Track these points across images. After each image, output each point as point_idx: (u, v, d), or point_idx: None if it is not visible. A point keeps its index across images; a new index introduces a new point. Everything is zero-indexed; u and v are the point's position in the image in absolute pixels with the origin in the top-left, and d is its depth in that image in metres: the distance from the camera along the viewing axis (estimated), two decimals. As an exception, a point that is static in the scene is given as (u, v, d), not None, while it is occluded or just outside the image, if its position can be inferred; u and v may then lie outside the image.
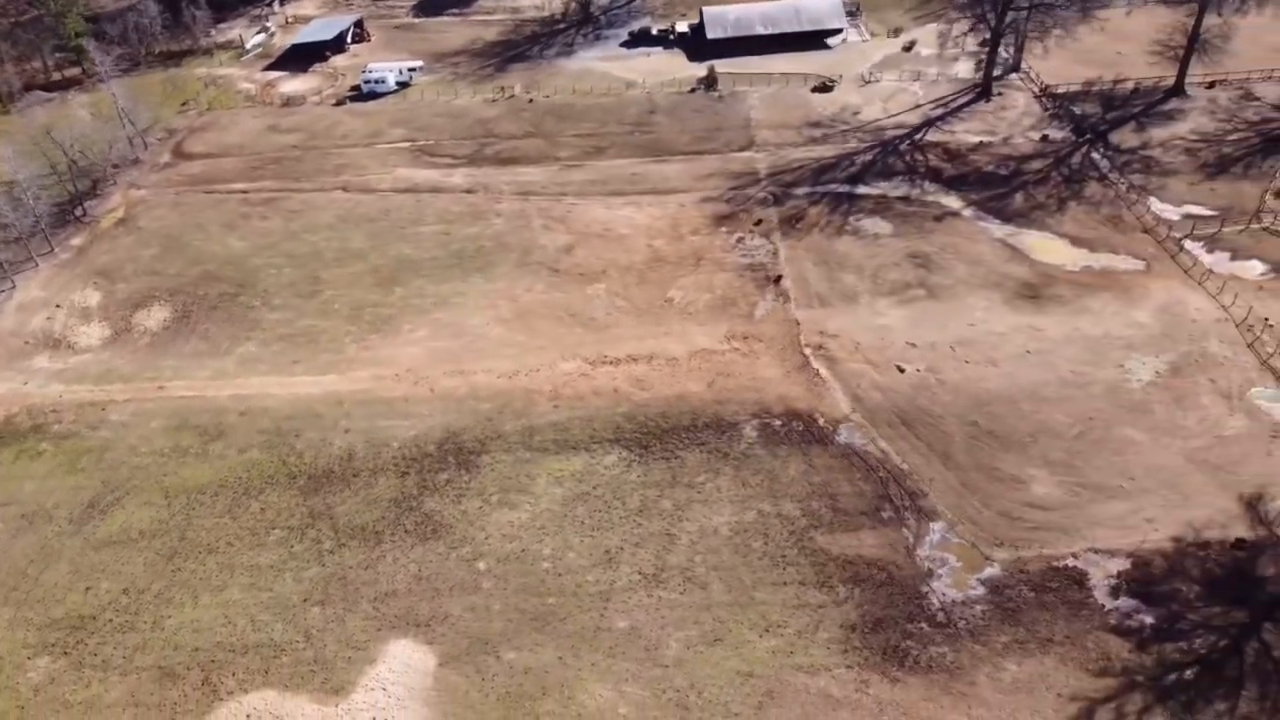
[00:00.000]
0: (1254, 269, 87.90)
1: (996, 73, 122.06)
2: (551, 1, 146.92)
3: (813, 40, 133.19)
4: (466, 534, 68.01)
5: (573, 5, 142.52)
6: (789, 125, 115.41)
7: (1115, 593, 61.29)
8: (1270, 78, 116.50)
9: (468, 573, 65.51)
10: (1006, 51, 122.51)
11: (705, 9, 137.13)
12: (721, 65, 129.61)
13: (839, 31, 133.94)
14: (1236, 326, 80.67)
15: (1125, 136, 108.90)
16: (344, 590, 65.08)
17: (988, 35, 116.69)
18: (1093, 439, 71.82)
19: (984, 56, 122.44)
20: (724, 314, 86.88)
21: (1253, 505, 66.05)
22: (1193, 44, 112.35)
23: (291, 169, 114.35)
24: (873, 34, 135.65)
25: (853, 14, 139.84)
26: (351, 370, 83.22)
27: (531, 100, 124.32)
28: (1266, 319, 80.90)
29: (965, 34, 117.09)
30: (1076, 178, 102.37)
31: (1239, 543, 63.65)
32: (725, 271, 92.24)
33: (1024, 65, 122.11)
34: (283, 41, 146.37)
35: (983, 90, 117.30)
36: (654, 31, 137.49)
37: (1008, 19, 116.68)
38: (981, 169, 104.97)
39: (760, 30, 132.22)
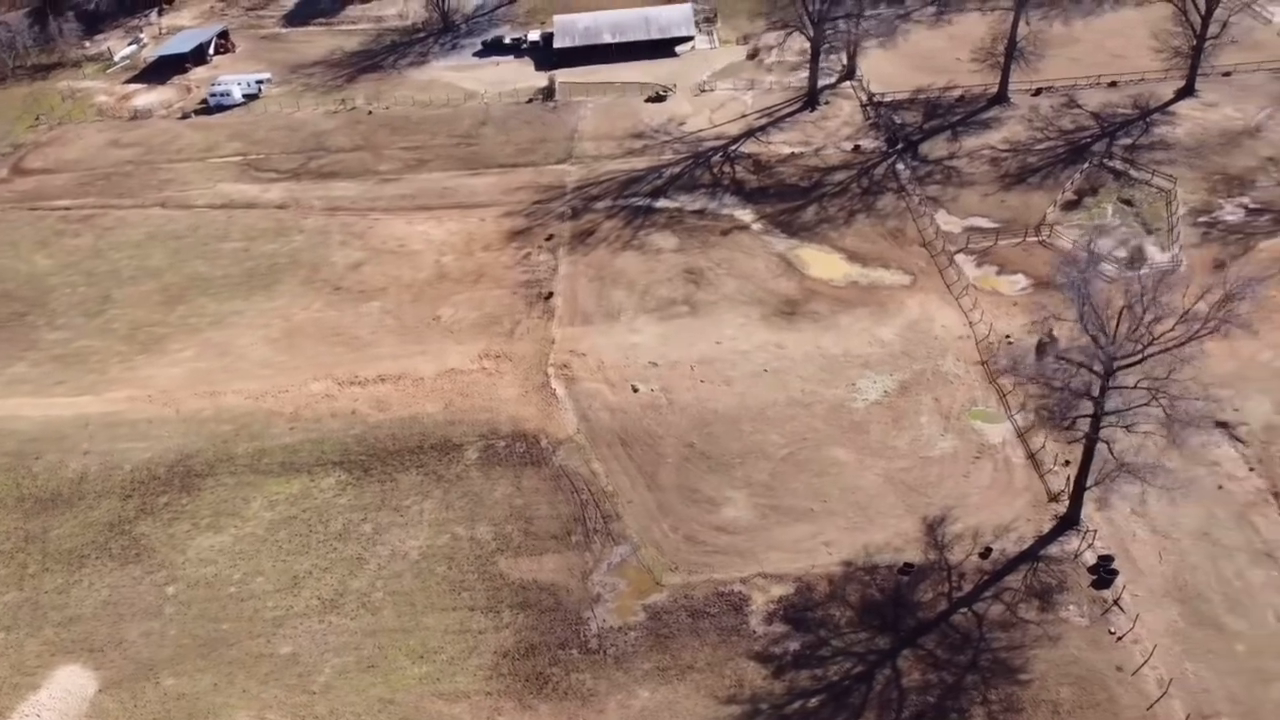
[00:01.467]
0: (1016, 284, 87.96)
1: (831, 80, 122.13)
2: (414, 11, 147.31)
3: (662, 48, 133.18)
4: (166, 558, 69.02)
5: (433, 15, 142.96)
6: (612, 137, 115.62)
7: (769, 619, 61.83)
8: (1098, 84, 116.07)
9: (155, 598, 66.46)
10: (843, 59, 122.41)
11: (557, 17, 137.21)
12: (567, 75, 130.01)
13: (689, 39, 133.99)
14: (977, 344, 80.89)
15: (936, 146, 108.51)
16: (33, 615, 66.13)
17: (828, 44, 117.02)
18: (799, 460, 72.17)
19: (822, 65, 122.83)
20: (486, 332, 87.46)
21: (933, 529, 66.42)
22: (1010, 51, 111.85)
23: (119, 185, 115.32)
24: (722, 41, 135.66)
25: (709, 20, 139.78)
26: (109, 391, 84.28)
27: (370, 112, 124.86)
28: (1007, 336, 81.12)
29: (781, 42, 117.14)
30: (874, 190, 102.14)
31: (906, 568, 63.93)
32: (501, 288, 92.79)
33: (858, 72, 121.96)
34: (151, 53, 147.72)
35: (809, 99, 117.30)
36: (507, 40, 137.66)
37: (838, 26, 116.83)
38: (785, 181, 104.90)
39: (608, 39, 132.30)
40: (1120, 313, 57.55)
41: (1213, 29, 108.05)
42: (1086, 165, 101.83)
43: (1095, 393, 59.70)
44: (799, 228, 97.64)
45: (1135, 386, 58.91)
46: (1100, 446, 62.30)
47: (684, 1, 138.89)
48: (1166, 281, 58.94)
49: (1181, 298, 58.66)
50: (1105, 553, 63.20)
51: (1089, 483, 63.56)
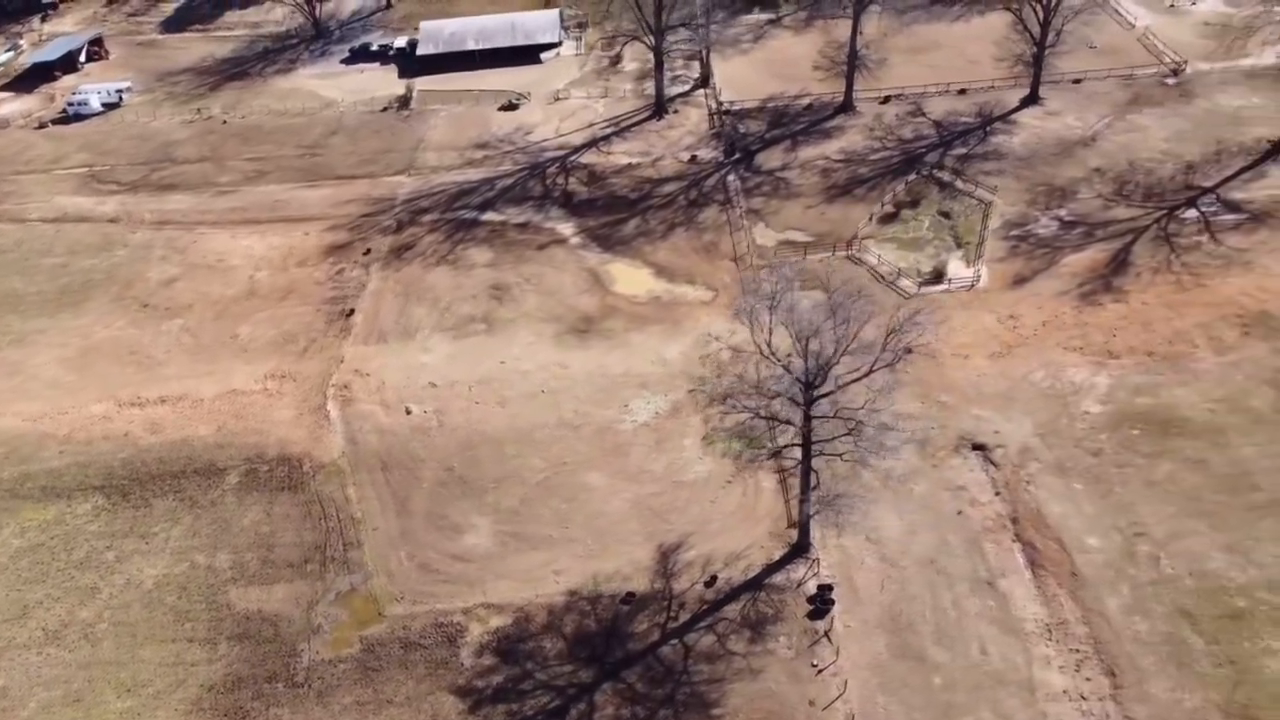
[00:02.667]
0: (813, 299, 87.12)
1: (685, 89, 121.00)
2: (291, 17, 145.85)
3: (528, 55, 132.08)
4: (-98, 588, 68.66)
5: (305, 21, 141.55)
6: (456, 147, 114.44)
7: (481, 651, 61.07)
8: (948, 91, 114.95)
9: (-118, 629, 66.20)
10: (702, 66, 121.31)
11: (423, 23, 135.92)
12: (428, 82, 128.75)
13: (554, 46, 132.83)
14: (755, 364, 79.94)
15: (772, 156, 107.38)
16: None
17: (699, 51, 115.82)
18: (552, 485, 71.33)
19: (681, 73, 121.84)
20: (279, 351, 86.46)
21: (666, 556, 65.65)
22: (852, 60, 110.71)
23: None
24: (589, 48, 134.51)
25: (580, 26, 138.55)
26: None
27: (225, 122, 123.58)
28: (788, 354, 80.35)
29: (619, 50, 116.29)
30: (701, 202, 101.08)
31: (628, 597, 63.21)
32: (306, 305, 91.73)
33: (713, 80, 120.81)
34: (26, 60, 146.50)
35: (656, 108, 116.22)
36: (374, 47, 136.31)
37: (685, 34, 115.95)
38: (616, 193, 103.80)
39: (472, 45, 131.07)
40: (805, 342, 56.64)
41: (1053, 36, 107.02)
42: (913, 176, 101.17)
43: (798, 421, 59.17)
44: (617, 241, 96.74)
45: (834, 415, 58.16)
46: (824, 473, 62.03)
47: (553, 7, 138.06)
48: (858, 310, 58.34)
49: (858, 329, 57.82)
50: (828, 581, 62.64)
51: (811, 511, 63.06)
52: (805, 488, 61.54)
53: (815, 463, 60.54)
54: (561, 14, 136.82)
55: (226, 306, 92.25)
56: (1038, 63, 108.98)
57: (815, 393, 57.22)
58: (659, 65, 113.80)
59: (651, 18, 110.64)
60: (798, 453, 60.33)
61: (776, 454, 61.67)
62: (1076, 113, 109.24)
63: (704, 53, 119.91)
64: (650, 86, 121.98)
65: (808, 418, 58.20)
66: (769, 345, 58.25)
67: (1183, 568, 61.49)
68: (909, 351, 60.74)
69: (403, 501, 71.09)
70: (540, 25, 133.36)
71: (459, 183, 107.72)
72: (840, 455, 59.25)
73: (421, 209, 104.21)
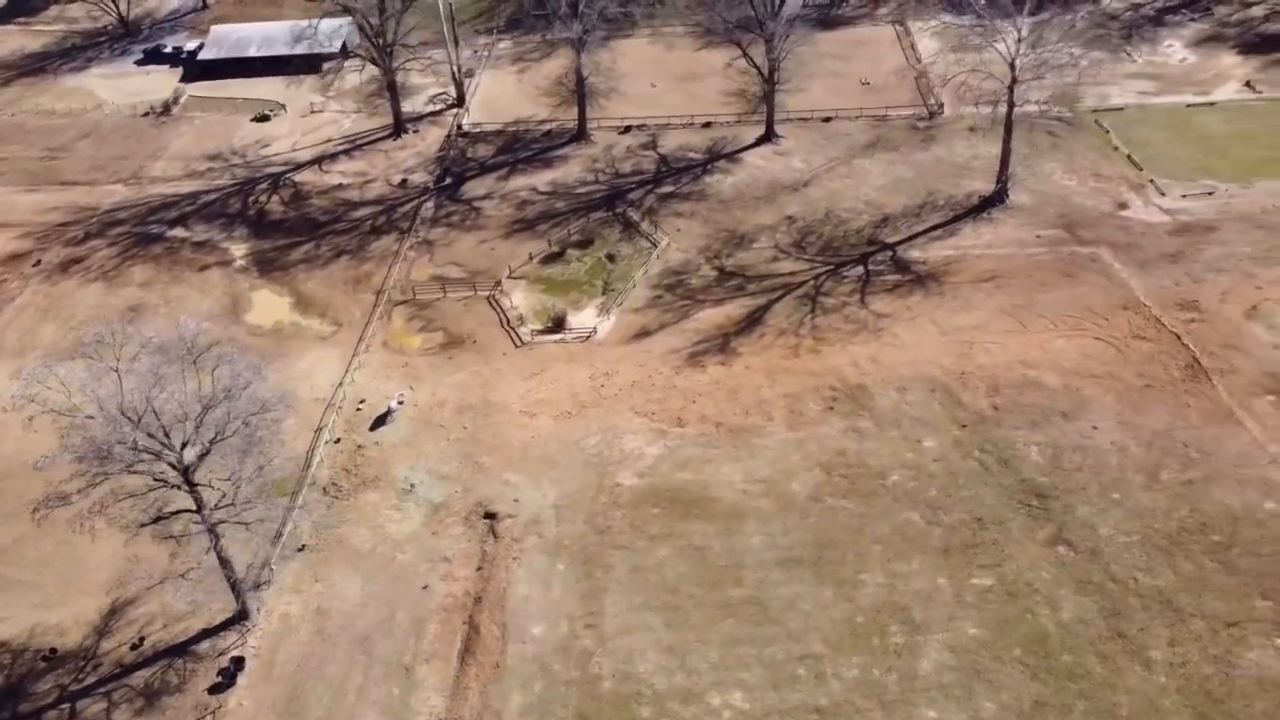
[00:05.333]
0: (430, 342, 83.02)
1: (438, 109, 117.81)
2: (109, 13, 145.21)
3: (311, 63, 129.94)
4: None
5: (111, 18, 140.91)
6: (189, 157, 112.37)
7: (-125, 700, 59.31)
8: (691, 123, 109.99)
9: None
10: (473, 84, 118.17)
11: (214, 27, 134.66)
12: (205, 87, 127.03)
13: (335, 56, 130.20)
14: (325, 410, 76.76)
15: (482, 184, 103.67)
16: None
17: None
18: (51, 524, 69.04)
19: (444, 91, 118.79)
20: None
21: (115, 611, 62.95)
22: (581, 88, 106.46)
23: None
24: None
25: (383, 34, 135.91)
26: None
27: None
28: (363, 400, 77.04)
29: (338, 74, 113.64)
30: (383, 229, 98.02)
31: (51, 653, 60.62)
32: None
33: (468, 100, 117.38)
34: None
35: (395, 127, 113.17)
36: (167, 49, 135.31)
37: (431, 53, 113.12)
38: (309, 214, 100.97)
39: (254, 52, 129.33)
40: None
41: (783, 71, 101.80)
42: (605, 214, 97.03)
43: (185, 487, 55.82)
44: (279, 267, 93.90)
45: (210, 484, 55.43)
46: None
47: (342, 16, 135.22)
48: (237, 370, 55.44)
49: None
50: (243, 654, 59.68)
51: (238, 574, 60.10)
52: (220, 556, 58.72)
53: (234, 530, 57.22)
54: (352, 23, 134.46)
55: None
56: (770, 101, 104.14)
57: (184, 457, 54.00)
58: (391, 87, 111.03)
59: (386, 35, 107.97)
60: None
61: (156, 520, 58.85)
62: (806, 154, 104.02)
63: (456, 71, 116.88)
64: (411, 102, 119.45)
65: (191, 485, 55.40)
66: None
67: (610, 667, 57.31)
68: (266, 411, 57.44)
69: (-95, 531, 69.84)
70: (323, 34, 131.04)
71: (168, 195, 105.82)
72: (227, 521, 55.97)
73: (118, 221, 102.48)
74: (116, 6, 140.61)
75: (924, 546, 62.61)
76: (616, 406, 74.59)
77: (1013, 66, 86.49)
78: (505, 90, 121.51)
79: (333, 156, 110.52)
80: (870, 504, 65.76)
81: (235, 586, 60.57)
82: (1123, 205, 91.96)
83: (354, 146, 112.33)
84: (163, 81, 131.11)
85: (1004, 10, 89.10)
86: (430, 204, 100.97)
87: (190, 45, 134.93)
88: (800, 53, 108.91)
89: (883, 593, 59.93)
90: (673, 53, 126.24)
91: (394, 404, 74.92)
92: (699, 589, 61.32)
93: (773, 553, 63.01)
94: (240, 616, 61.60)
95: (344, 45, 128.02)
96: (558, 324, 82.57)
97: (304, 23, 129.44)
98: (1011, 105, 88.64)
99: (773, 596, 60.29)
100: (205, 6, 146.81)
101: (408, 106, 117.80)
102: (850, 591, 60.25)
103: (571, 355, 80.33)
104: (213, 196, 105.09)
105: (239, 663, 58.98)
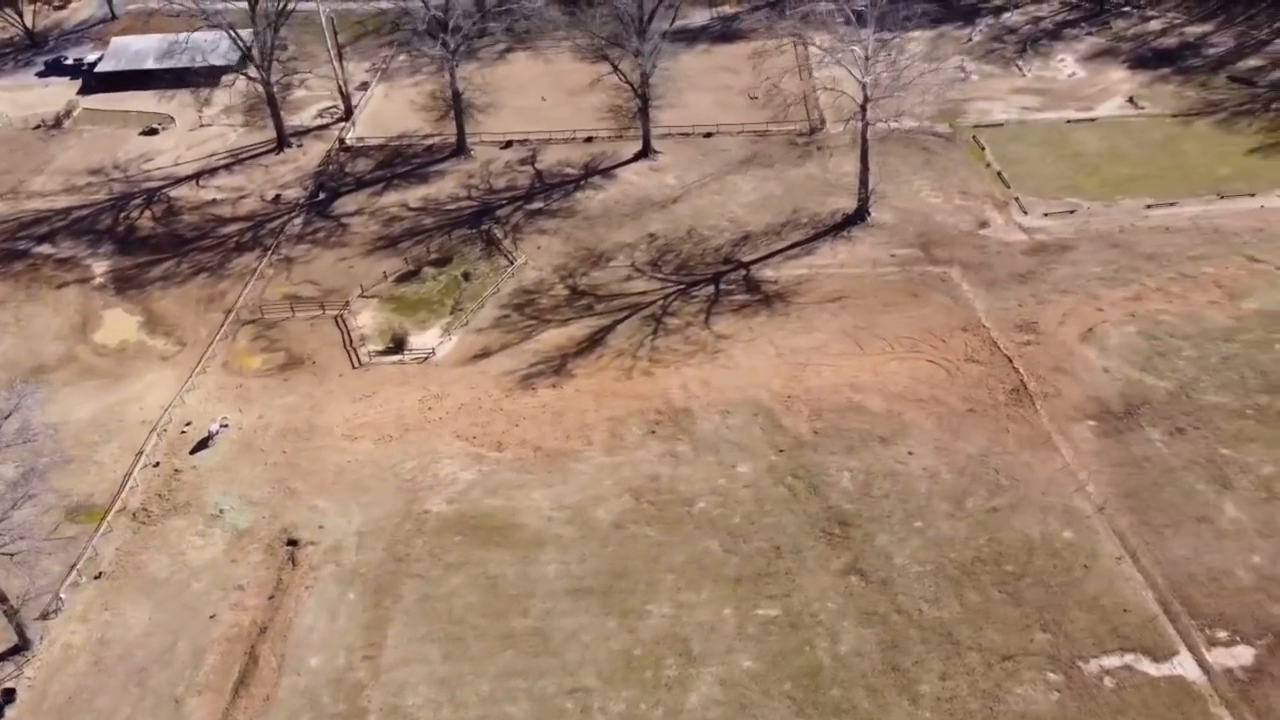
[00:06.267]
0: (270, 364, 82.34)
1: (326, 122, 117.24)
2: (13, 24, 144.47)
3: (211, 76, 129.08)
4: None
5: (15, 27, 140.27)
6: (72, 171, 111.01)
7: None
8: (573, 138, 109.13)
9: None
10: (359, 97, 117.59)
11: (114, 39, 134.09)
12: (103, 100, 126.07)
13: (234, 69, 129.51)
14: (150, 434, 75.91)
15: (355, 200, 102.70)
16: None
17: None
18: None
19: (333, 104, 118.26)
20: None
21: (-98, 641, 62.54)
22: (458, 103, 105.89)
23: None
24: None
25: (282, 48, 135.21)
26: None
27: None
28: (189, 422, 76.30)
29: (208, 95, 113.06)
30: (247, 246, 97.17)
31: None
32: None
33: (355, 113, 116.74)
34: None
35: (278, 141, 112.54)
36: (69, 61, 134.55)
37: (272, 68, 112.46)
38: (177, 231, 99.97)
39: (152, 64, 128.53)
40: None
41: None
42: (469, 231, 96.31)
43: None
44: (136, 285, 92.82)
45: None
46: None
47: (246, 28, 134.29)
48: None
49: None
50: (12, 686, 58.84)
51: (14, 604, 59.33)
52: (-3, 591, 58.16)
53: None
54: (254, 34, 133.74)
55: None
56: (644, 116, 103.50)
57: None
58: (271, 100, 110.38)
59: (263, 50, 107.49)
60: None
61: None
62: (682, 170, 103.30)
63: (343, 85, 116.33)
64: (300, 116, 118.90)
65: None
66: None
67: (380, 700, 56.48)
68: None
69: None
70: (225, 46, 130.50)
71: (43, 210, 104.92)
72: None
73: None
74: (21, 17, 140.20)
75: (717, 576, 62.13)
76: (439, 430, 73.93)
77: (864, 86, 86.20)
78: (395, 104, 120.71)
79: (213, 171, 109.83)
80: (673, 532, 65.23)
81: (10, 617, 60.00)
82: (983, 224, 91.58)
83: (236, 161, 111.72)
84: (61, 94, 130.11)
85: (863, 25, 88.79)
86: (299, 220, 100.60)
87: (91, 57, 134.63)
88: (690, 67, 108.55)
89: (666, 624, 59.40)
90: (560, 66, 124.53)
91: (214, 427, 74.20)
92: (484, 619, 60.67)
93: (565, 582, 62.43)
94: (20, 647, 61.12)
95: (243, 57, 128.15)
96: (398, 345, 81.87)
97: (204, 35, 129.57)
98: (865, 124, 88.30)
99: (556, 627, 59.80)
100: (114, 18, 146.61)
101: (297, 120, 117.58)
102: (634, 622, 59.68)
103: (407, 377, 79.65)
104: (85, 212, 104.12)
105: (9, 695, 58.15)
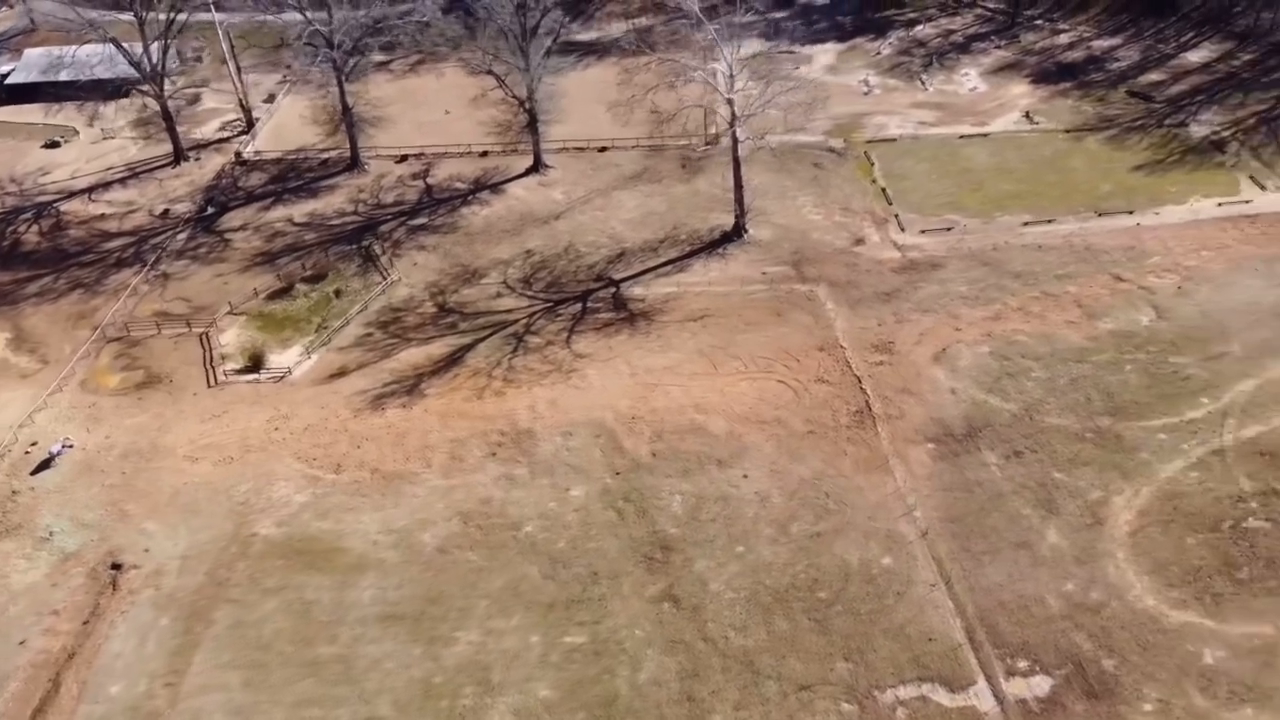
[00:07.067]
0: (129, 381, 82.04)
1: (227, 135, 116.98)
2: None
3: (123, 88, 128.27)
4: None
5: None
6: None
7: None
8: (469, 153, 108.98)
9: None
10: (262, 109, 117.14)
11: (27, 50, 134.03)
12: (13, 112, 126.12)
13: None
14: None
15: (243, 214, 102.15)
16: None
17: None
18: None
19: (236, 117, 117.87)
20: None
21: None
22: (349, 117, 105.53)
23: None
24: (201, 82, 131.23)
25: (197, 60, 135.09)
26: None
27: None
28: (34, 442, 75.57)
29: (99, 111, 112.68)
30: (127, 261, 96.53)
31: None
32: None
33: (256, 126, 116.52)
34: None
35: (174, 154, 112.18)
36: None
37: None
38: (60, 246, 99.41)
39: (65, 76, 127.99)
40: None
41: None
42: (348, 247, 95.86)
43: None
44: (12, 300, 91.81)
45: None
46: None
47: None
48: None
49: None
50: None
51: None
52: None
53: None
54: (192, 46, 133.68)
55: None
56: (533, 130, 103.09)
57: None
58: (165, 114, 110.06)
59: (150, 64, 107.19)
60: None
61: None
62: (570, 185, 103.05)
63: (243, 99, 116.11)
64: (203, 130, 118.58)
65: None
66: None
67: (173, 730, 56.58)
68: None
69: None
70: (119, 60, 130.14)
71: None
72: None
73: None
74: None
75: (530, 602, 61.54)
76: (280, 452, 73.37)
77: (730, 103, 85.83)
78: (298, 117, 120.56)
79: (108, 185, 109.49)
80: (495, 556, 64.71)
81: None
82: (859, 241, 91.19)
83: (132, 174, 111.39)
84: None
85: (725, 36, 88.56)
86: (183, 235, 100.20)
87: (5, 68, 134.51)
88: (597, 79, 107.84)
89: (471, 651, 58.81)
90: (461, 80, 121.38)
91: (56, 448, 73.59)
92: (291, 645, 60.14)
93: (379, 608, 61.82)
94: None
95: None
96: (256, 364, 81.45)
97: (95, 48, 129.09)
98: (735, 140, 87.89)
99: (361, 655, 59.15)
100: (34, 28, 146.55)
101: (199, 133, 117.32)
102: (439, 650, 59.14)
103: (259, 397, 79.16)
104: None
105: None
